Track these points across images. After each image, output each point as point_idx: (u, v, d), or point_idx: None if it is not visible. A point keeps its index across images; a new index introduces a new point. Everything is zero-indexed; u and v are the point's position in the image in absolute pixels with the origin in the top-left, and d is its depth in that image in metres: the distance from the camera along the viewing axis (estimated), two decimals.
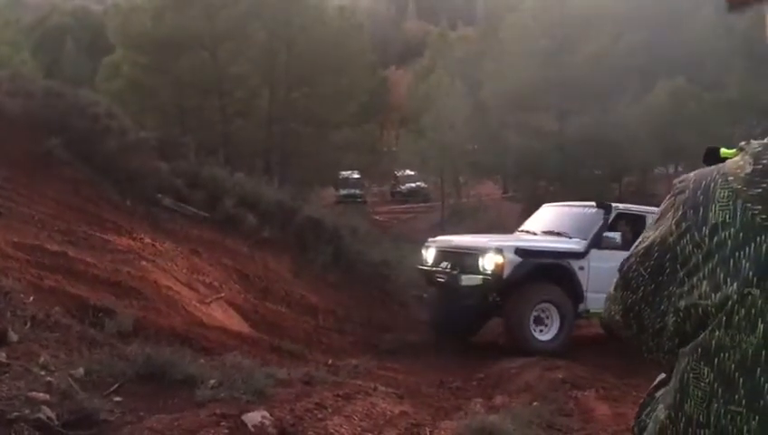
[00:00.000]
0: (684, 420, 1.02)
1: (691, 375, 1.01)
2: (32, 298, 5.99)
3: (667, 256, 1.04)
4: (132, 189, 10.22)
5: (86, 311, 6.33)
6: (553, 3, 27.46)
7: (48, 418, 4.17)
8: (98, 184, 9.96)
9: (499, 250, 9.24)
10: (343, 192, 33.69)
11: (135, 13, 23.07)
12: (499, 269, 9.14)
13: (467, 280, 9.35)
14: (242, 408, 4.57)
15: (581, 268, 9.48)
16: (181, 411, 4.46)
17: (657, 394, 1.15)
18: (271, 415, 4.48)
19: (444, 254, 9.95)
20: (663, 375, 1.16)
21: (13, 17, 30.02)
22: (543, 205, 11.82)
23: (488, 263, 9.22)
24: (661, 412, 1.06)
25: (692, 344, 1.01)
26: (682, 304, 1.02)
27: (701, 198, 1.03)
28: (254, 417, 4.38)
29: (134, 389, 4.79)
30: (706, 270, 0.99)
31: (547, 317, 9.43)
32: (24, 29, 33.48)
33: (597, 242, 9.60)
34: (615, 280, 1.18)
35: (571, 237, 9.86)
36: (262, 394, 4.87)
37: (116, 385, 4.76)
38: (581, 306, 9.56)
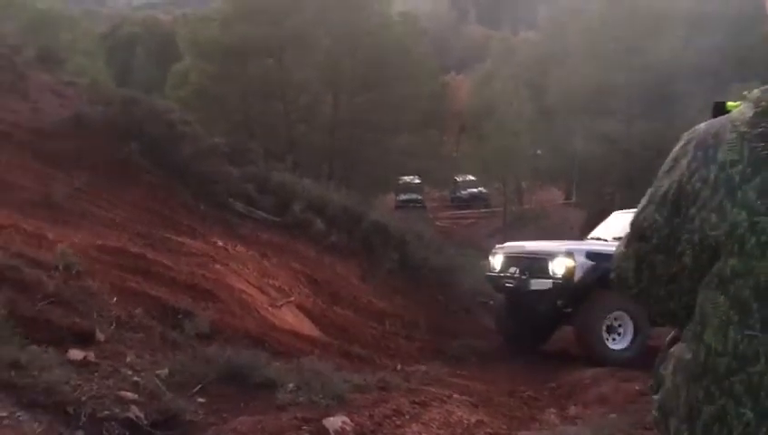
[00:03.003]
0: (704, 351, 1.07)
1: (709, 306, 1.07)
2: (115, 299, 6.16)
3: (682, 197, 1.11)
4: (205, 194, 10.45)
5: (166, 312, 6.48)
6: (620, 5, 26.89)
7: (137, 417, 4.28)
8: (172, 188, 10.22)
9: (570, 253, 9.05)
10: (403, 197, 33.68)
11: (204, 22, 23.66)
12: (570, 273, 8.94)
13: (537, 284, 9.17)
14: (322, 412, 4.60)
15: None
16: (263, 414, 4.52)
17: (671, 350, 1.20)
18: (351, 420, 4.49)
19: (512, 259, 9.79)
20: (674, 332, 1.23)
21: (89, 28, 31.15)
22: (614, 212, 11.57)
23: (558, 267, 9.03)
24: (685, 352, 1.11)
25: (708, 277, 1.08)
26: (696, 238, 1.08)
27: (711, 141, 1.11)
28: (334, 422, 4.40)
29: (216, 390, 4.88)
30: (714, 203, 1.06)
31: (620, 326, 9.12)
32: (96, 39, 34.71)
33: None
34: (625, 237, 1.27)
35: None
36: (340, 399, 4.90)
37: (199, 386, 4.86)
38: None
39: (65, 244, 6.51)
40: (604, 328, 9.01)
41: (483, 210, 34.26)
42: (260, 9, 22.35)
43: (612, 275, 1.29)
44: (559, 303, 9.20)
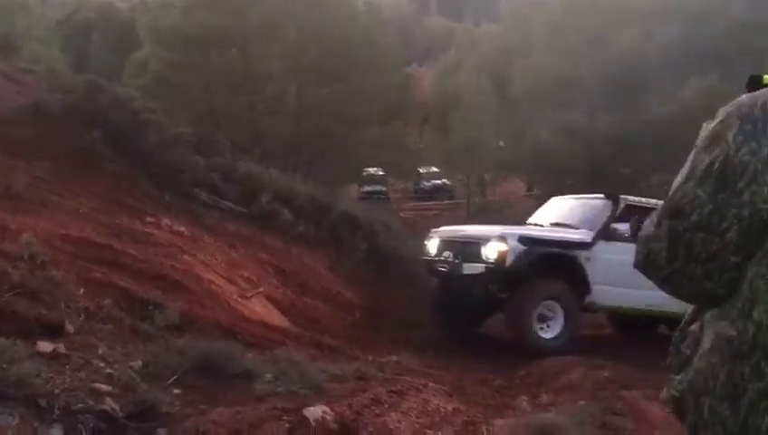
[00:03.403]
0: (753, 328, 1.05)
1: (761, 282, 1.05)
2: (82, 290, 6.01)
3: (728, 170, 1.09)
4: (170, 184, 10.26)
5: (134, 304, 6.35)
6: None
7: (112, 409, 4.17)
8: (137, 178, 10.01)
9: (502, 238, 8.94)
10: (367, 188, 33.65)
11: (165, 9, 23.18)
12: (501, 258, 8.82)
13: (469, 268, 9.10)
14: (301, 402, 4.55)
15: (588, 259, 9.18)
16: (241, 405, 4.44)
17: (691, 328, 1.19)
18: (331, 410, 4.45)
19: (447, 243, 9.73)
20: (691, 312, 1.23)
21: (44, 14, 30.32)
22: (552, 197, 11.60)
23: (491, 251, 8.94)
24: (728, 329, 1.09)
25: (760, 252, 1.06)
26: (745, 212, 1.06)
27: (759, 113, 1.09)
28: (314, 411, 4.35)
29: (191, 381, 4.79)
30: (766, 177, 1.05)
31: (552, 314, 9.09)
32: (52, 26, 33.78)
33: (605, 233, 9.33)
34: (653, 218, 1.22)
35: (578, 229, 9.58)
36: (318, 389, 4.85)
37: (173, 378, 4.76)
38: (588, 298, 9.26)
39: (29, 234, 6.31)
40: (536, 316, 8.92)
41: (446, 202, 34.43)
42: None
43: (638, 258, 1.24)
44: (491, 288, 9.02)
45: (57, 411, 3.90)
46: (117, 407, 4.15)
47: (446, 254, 9.54)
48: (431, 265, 9.87)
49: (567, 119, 25.41)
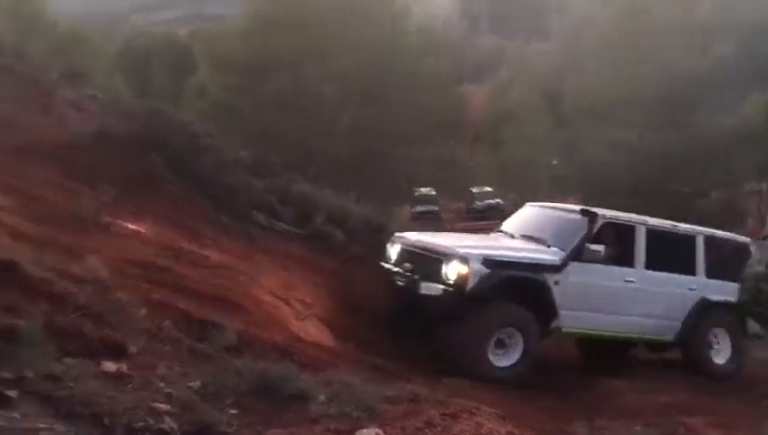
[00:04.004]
0: None
1: None
2: (144, 312, 6.21)
3: None
4: (228, 206, 10.52)
5: (193, 325, 6.53)
6: (634, 14, 26.89)
7: (171, 428, 4.30)
8: (195, 200, 10.29)
9: (464, 259, 8.27)
10: (419, 208, 33.72)
11: (222, 36, 23.89)
12: (462, 280, 8.20)
13: (427, 289, 8.43)
14: (354, 424, 4.61)
15: (557, 283, 8.62)
16: (296, 426, 4.53)
17: None
18: (384, 433, 4.50)
19: (407, 253, 9.12)
20: None
21: (108, 44, 31.67)
22: (527, 203, 11.09)
23: (451, 272, 8.30)
24: None
25: None
26: None
27: None
28: (368, 434, 4.40)
29: (248, 402, 4.89)
30: None
31: (510, 340, 8.41)
32: (115, 55, 35.19)
33: (577, 254, 8.81)
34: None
35: (549, 246, 9.01)
36: (372, 411, 4.90)
37: (231, 398, 4.88)
38: (554, 323, 8.78)
39: (94, 257, 6.58)
40: (491, 343, 8.29)
41: (499, 221, 34.11)
42: (279, 23, 22.55)
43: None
44: (449, 311, 8.43)
45: (119, 430, 4.05)
46: (175, 426, 4.27)
47: (406, 265, 8.94)
48: (389, 274, 9.26)
49: (620, 135, 25.07)
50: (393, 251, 9.43)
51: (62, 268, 6.03)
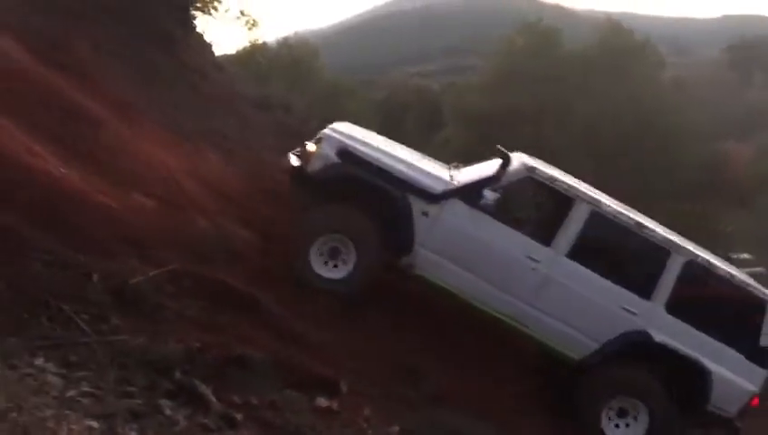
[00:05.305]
0: None
1: None
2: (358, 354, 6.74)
3: None
4: None
5: (403, 371, 6.91)
6: None
7: None
8: None
9: (319, 140, 7.44)
10: None
11: (468, 90, 24.93)
12: (306, 159, 7.41)
13: (292, 159, 7.73)
14: None
15: (425, 213, 7.22)
16: None
17: None
18: None
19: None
20: None
21: (367, 96, 34.60)
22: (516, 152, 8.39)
23: (307, 149, 7.54)
24: None
25: None
26: None
27: None
28: None
29: None
30: None
31: (345, 250, 7.28)
32: (374, 106, 38.23)
33: (466, 193, 7.29)
34: None
35: (452, 178, 7.59)
36: None
37: None
38: (407, 259, 7.34)
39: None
40: (318, 247, 7.22)
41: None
42: (521, 77, 23.00)
43: None
44: (294, 189, 7.79)
45: None
46: None
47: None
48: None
49: None
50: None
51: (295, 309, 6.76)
